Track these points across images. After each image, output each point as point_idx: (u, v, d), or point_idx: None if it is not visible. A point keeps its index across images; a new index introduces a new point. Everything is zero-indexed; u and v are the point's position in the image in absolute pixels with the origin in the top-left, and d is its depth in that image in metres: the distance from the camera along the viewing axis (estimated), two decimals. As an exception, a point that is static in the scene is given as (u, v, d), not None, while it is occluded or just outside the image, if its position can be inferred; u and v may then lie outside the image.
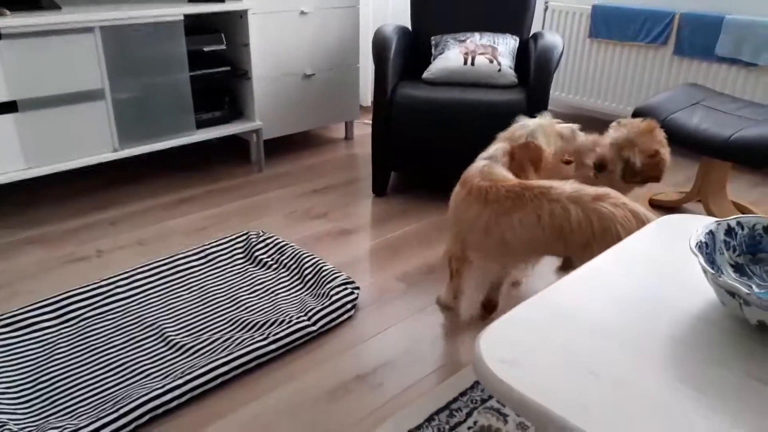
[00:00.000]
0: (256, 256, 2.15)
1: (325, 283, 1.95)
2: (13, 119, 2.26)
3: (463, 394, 1.58)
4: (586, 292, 1.00)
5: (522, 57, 2.86)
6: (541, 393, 0.77)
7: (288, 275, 2.06)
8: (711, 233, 1.04)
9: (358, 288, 1.97)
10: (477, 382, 1.62)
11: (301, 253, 2.12)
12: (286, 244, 2.18)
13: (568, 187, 1.61)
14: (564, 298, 0.98)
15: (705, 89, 2.75)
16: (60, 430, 1.36)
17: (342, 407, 1.53)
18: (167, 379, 1.55)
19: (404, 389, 1.60)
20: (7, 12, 2.20)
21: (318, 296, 1.92)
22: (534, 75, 2.52)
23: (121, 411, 1.42)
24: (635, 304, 0.97)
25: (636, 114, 2.54)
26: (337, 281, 1.94)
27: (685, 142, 2.39)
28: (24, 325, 1.75)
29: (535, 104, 2.50)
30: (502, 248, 1.67)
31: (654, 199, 2.69)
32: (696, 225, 1.17)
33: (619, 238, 1.50)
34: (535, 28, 3.07)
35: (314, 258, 2.08)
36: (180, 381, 1.52)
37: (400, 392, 1.59)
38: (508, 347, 0.86)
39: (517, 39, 2.90)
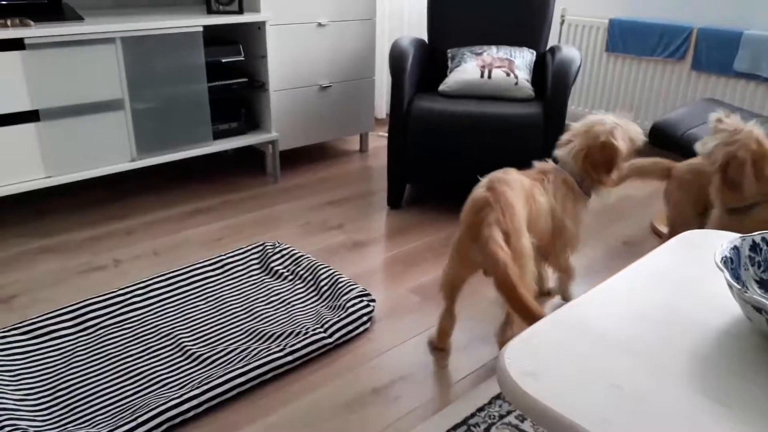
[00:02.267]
0: (272, 267, 2.15)
1: (341, 295, 1.95)
2: (34, 128, 2.29)
3: (480, 409, 1.56)
4: (608, 307, 0.99)
5: (539, 70, 2.86)
6: (566, 406, 0.76)
7: (304, 287, 2.06)
8: (736, 249, 1.03)
9: (374, 300, 1.96)
10: (495, 398, 1.60)
11: (316, 264, 2.11)
12: (302, 256, 2.18)
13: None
14: (586, 313, 0.97)
15: (723, 104, 2.73)
16: None
17: (359, 420, 1.52)
18: (184, 389, 1.54)
19: (422, 403, 1.58)
20: (31, 23, 2.24)
21: (334, 308, 1.91)
22: (551, 88, 2.51)
23: (139, 420, 1.42)
24: (657, 319, 0.96)
25: (653, 130, 2.53)
26: (353, 293, 1.93)
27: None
28: (43, 332, 1.76)
29: (552, 118, 2.49)
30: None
31: (671, 214, 2.67)
32: (717, 240, 1.16)
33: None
34: (551, 41, 3.07)
35: (330, 270, 2.08)
36: (197, 391, 1.52)
37: (418, 406, 1.57)
38: (531, 360, 0.85)
39: (534, 52, 2.90)
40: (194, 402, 1.51)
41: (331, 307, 1.93)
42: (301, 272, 2.11)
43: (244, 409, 1.55)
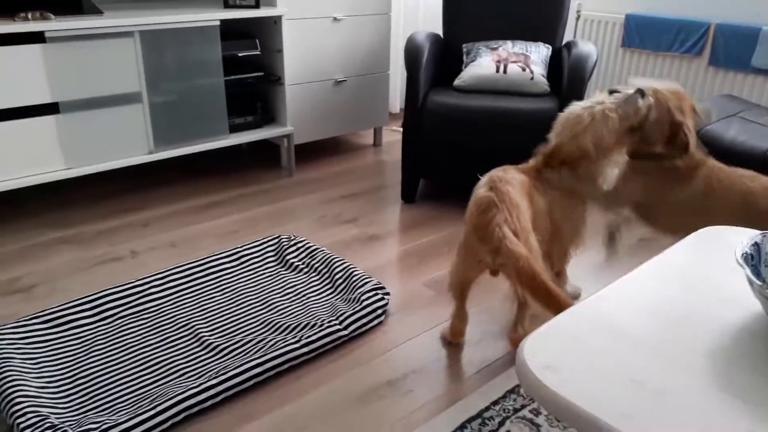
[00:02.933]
0: (288, 260, 2.17)
1: (355, 288, 1.96)
2: (54, 120, 2.32)
3: (495, 403, 1.57)
4: (626, 303, 1.00)
5: (554, 66, 2.85)
6: (586, 400, 0.76)
7: (319, 279, 2.07)
8: (756, 245, 1.03)
9: (388, 294, 1.97)
10: (509, 392, 1.61)
11: (331, 257, 2.13)
12: (317, 249, 2.20)
13: None
14: (604, 308, 0.98)
15: (741, 101, 2.71)
16: (99, 425, 1.39)
17: (373, 412, 1.54)
18: (202, 378, 1.56)
19: (436, 397, 1.59)
20: (52, 16, 2.26)
21: (349, 301, 1.93)
22: (567, 84, 2.50)
23: (158, 408, 1.44)
24: (676, 315, 0.96)
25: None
26: (368, 286, 1.95)
27: (720, 154, 2.35)
28: (62, 321, 1.79)
29: (568, 113, 2.48)
30: None
31: (687, 211, 2.65)
32: (735, 237, 1.15)
33: None
34: (566, 37, 3.06)
35: (345, 263, 2.09)
36: (214, 381, 1.54)
37: (432, 399, 1.58)
38: (550, 355, 0.85)
39: (550, 47, 2.89)
40: (211, 392, 1.53)
41: (346, 299, 1.94)
42: (317, 265, 2.12)
43: (260, 399, 1.57)
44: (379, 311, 1.88)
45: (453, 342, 1.82)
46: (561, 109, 2.51)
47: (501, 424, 1.50)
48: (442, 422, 1.50)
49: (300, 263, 2.16)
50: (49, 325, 1.77)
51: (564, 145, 1.74)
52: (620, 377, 0.81)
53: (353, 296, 1.93)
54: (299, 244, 2.23)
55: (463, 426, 1.49)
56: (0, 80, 2.17)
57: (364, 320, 1.84)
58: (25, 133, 2.27)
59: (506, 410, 1.55)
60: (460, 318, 1.79)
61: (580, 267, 2.24)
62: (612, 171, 1.76)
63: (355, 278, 2.00)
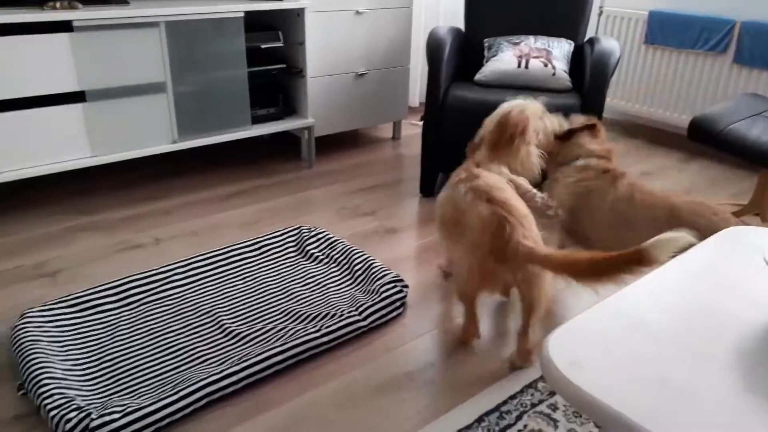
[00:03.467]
0: (308, 250, 2.19)
1: (374, 279, 1.98)
2: (81, 108, 2.35)
3: (512, 397, 1.58)
4: (650, 301, 1.00)
5: (576, 62, 2.84)
6: (611, 397, 0.77)
7: (338, 270, 2.09)
8: (783, 247, 1.03)
9: (407, 286, 1.98)
10: (527, 387, 1.62)
11: (351, 249, 2.15)
12: (337, 240, 2.22)
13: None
14: (628, 306, 0.98)
15: (766, 100, 2.68)
16: (123, 408, 1.42)
17: (392, 403, 1.56)
18: (223, 365, 1.59)
19: (453, 389, 1.61)
20: (79, 5, 2.29)
21: (368, 292, 1.95)
22: (589, 80, 2.49)
23: (181, 393, 1.47)
24: (701, 315, 0.96)
25: (693, 125, 2.49)
26: (387, 278, 1.96)
27: (744, 153, 2.33)
28: (88, 306, 1.82)
29: (590, 110, 2.47)
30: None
31: (708, 211, 2.63)
32: (758, 238, 1.15)
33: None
34: (589, 33, 3.04)
35: (364, 254, 2.11)
36: (236, 368, 1.57)
37: (450, 392, 1.60)
38: (575, 351, 0.86)
39: (572, 43, 2.87)
40: (233, 378, 1.55)
41: (365, 291, 1.96)
42: (336, 256, 2.14)
43: (280, 387, 1.60)
44: (398, 303, 1.90)
45: (467, 344, 1.80)
46: (584, 104, 2.50)
47: (518, 418, 1.52)
48: (460, 415, 1.52)
49: (320, 254, 2.18)
50: (74, 310, 1.81)
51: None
52: (646, 375, 0.82)
53: (372, 288, 1.95)
54: (319, 235, 2.25)
55: (480, 419, 1.50)
56: (29, 68, 2.20)
57: (383, 312, 1.85)
58: (53, 120, 2.31)
59: (524, 405, 1.56)
60: (471, 321, 1.77)
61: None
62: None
63: (374, 270, 2.02)
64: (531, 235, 1.51)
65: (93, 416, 1.38)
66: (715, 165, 3.24)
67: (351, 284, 2.02)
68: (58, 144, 2.35)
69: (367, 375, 1.65)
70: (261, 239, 2.21)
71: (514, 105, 1.89)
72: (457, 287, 1.75)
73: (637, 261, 1.20)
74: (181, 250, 2.23)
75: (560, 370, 0.82)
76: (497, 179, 1.68)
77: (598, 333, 0.90)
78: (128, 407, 1.43)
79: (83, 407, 1.41)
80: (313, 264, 2.14)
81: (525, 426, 1.49)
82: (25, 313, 1.73)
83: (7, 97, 2.20)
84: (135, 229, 2.38)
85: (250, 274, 2.06)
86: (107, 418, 1.38)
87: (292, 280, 2.03)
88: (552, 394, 1.60)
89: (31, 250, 2.21)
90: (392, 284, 1.94)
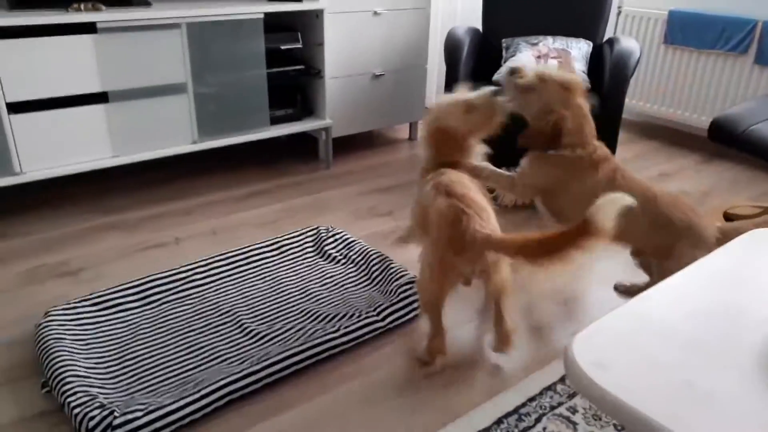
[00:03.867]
0: (326, 251, 2.20)
1: (392, 280, 1.98)
2: (103, 109, 2.39)
3: (531, 399, 1.58)
4: (674, 304, 1.00)
5: (594, 62, 2.82)
6: (636, 398, 0.77)
7: (356, 270, 2.10)
8: (809, 250, 1.02)
9: None
10: (546, 389, 1.62)
11: (368, 250, 2.16)
12: (354, 241, 2.23)
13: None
14: (651, 309, 0.98)
15: (789, 101, 2.64)
16: (146, 406, 1.44)
17: (411, 404, 1.56)
18: (244, 364, 1.61)
19: (472, 391, 1.61)
20: (103, 7, 2.33)
21: (386, 293, 1.96)
22: (609, 80, 2.48)
23: (202, 392, 1.49)
24: (727, 317, 0.96)
25: (713, 125, 2.47)
26: (404, 280, 1.97)
27: (765, 154, 2.31)
28: (110, 305, 1.85)
29: (609, 110, 2.46)
30: None
31: (729, 213, 2.61)
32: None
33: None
34: (607, 33, 3.02)
35: (381, 255, 2.12)
36: (257, 367, 1.58)
37: (468, 394, 1.60)
38: (599, 352, 0.86)
39: (591, 44, 2.86)
40: (254, 377, 1.57)
41: (382, 291, 1.97)
42: (354, 257, 2.15)
43: (301, 387, 1.61)
44: (415, 304, 1.90)
45: (432, 363, 1.70)
46: (603, 105, 2.49)
47: (537, 420, 1.51)
48: (479, 417, 1.52)
49: (338, 254, 2.19)
50: (97, 308, 1.83)
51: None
52: (670, 377, 0.81)
53: (390, 288, 1.96)
54: (337, 236, 2.27)
55: (499, 421, 1.51)
56: (54, 69, 2.24)
57: (401, 312, 1.86)
58: (76, 121, 2.35)
59: (543, 407, 1.56)
60: (439, 335, 1.68)
61: (619, 267, 2.23)
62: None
63: (391, 271, 2.03)
64: (488, 226, 1.52)
65: (116, 414, 1.40)
66: (735, 166, 3.21)
67: (369, 285, 2.03)
68: (81, 144, 2.39)
69: (386, 376, 1.66)
70: (280, 239, 2.22)
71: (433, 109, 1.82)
72: (422, 295, 1.69)
73: (583, 232, 1.24)
74: (201, 250, 2.25)
75: (584, 371, 0.82)
76: (460, 175, 1.68)
77: (622, 335, 0.90)
78: (150, 406, 1.44)
79: (106, 405, 1.43)
80: (331, 264, 2.15)
81: (544, 428, 1.49)
82: (49, 312, 1.76)
83: (33, 97, 2.24)
84: (156, 229, 2.41)
85: (269, 273, 2.07)
86: (130, 416, 1.40)
87: (311, 280, 2.04)
88: (571, 396, 1.59)
89: (54, 249, 2.25)
90: (409, 285, 1.95)
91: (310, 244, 2.25)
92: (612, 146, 2.50)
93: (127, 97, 2.43)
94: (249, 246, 2.16)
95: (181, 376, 1.60)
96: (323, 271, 2.10)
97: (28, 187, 2.73)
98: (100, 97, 2.39)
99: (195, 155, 3.16)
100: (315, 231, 2.30)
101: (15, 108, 2.25)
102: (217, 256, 2.09)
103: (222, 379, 1.53)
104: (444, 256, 1.55)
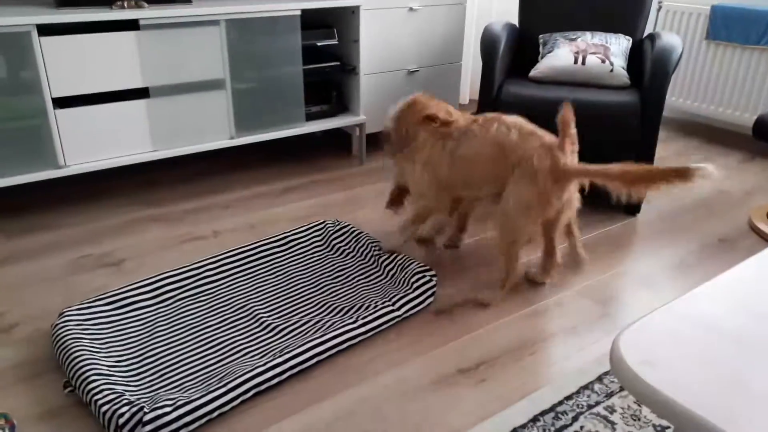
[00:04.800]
0: (334, 244, 2.22)
1: (403, 269, 2.00)
2: (145, 104, 2.44)
3: (568, 398, 1.56)
4: (724, 301, 0.98)
5: (634, 58, 2.77)
6: (689, 398, 0.76)
7: (367, 262, 2.12)
8: None
9: (435, 276, 1.98)
10: (583, 388, 1.60)
11: (376, 242, 2.17)
12: (361, 233, 2.23)
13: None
14: (702, 307, 0.96)
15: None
16: (174, 401, 1.43)
17: (446, 399, 1.56)
18: (266, 357, 1.61)
19: (507, 388, 1.60)
20: (145, 4, 2.37)
21: (398, 283, 1.97)
22: (650, 76, 2.43)
23: (229, 386, 1.49)
24: (780, 318, 0.94)
25: (758, 123, 2.40)
26: (414, 267, 1.98)
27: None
28: (124, 303, 1.84)
29: (650, 107, 2.41)
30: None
31: (773, 213, 2.54)
32: None
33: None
34: (648, 28, 2.96)
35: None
36: (280, 359, 1.58)
37: (504, 390, 1.59)
38: (647, 350, 0.85)
39: (630, 39, 2.81)
40: (278, 369, 1.57)
41: (394, 282, 1.99)
42: (362, 249, 2.17)
43: (331, 379, 1.62)
44: (429, 292, 1.91)
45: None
46: (643, 102, 2.44)
47: (575, 419, 1.50)
48: (516, 414, 1.51)
49: (347, 247, 2.20)
50: (112, 307, 1.81)
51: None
52: (721, 376, 0.80)
53: (401, 278, 1.98)
54: (344, 229, 2.27)
55: (535, 419, 1.50)
56: (97, 65, 2.30)
57: (415, 302, 1.88)
58: (118, 115, 2.41)
59: (580, 406, 1.54)
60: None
61: (657, 266, 2.19)
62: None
63: (400, 260, 2.04)
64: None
65: (145, 410, 1.39)
66: (780, 165, 3.12)
67: (380, 276, 2.04)
68: (122, 138, 2.44)
69: (420, 370, 1.66)
70: (288, 234, 2.22)
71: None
72: (516, 235, 1.86)
73: (682, 174, 1.57)
74: (239, 243, 2.28)
75: (632, 368, 0.81)
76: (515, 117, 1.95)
77: (669, 333, 0.89)
78: (178, 401, 1.44)
79: (134, 401, 1.43)
80: (340, 257, 2.16)
81: (581, 427, 1.47)
82: (64, 312, 1.74)
83: (77, 93, 2.30)
84: (196, 222, 2.46)
85: (281, 267, 2.08)
86: (159, 412, 1.39)
87: (322, 274, 2.05)
88: (609, 396, 1.57)
89: (97, 240, 2.31)
90: (421, 274, 1.96)
91: (318, 238, 2.26)
92: (651, 143, 2.45)
93: (168, 93, 2.47)
94: (257, 242, 2.15)
95: (205, 371, 1.60)
96: (333, 265, 2.11)
97: (73, 180, 2.81)
98: (141, 93, 2.44)
99: (233, 150, 3.21)
100: (322, 225, 2.30)
101: (60, 103, 2.31)
102: (226, 252, 2.08)
103: (247, 371, 1.53)
104: (545, 188, 1.77)
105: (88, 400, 1.47)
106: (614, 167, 1.69)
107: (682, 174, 1.56)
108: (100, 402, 1.43)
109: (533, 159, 1.78)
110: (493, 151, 1.86)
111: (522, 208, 1.81)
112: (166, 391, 1.53)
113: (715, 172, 1.51)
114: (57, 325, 1.70)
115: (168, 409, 1.41)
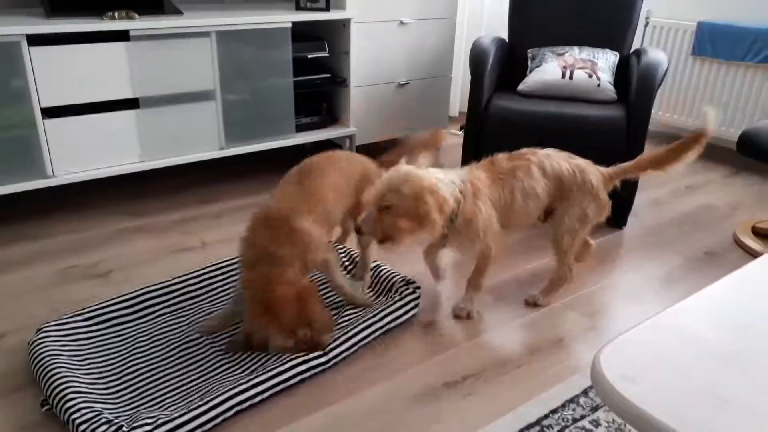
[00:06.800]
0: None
1: (387, 282, 2.00)
2: (134, 115, 2.44)
3: (554, 411, 1.57)
4: (706, 316, 0.99)
5: (621, 73, 2.81)
6: (666, 413, 0.77)
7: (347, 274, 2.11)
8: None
9: (419, 287, 1.97)
10: (568, 401, 1.61)
11: (355, 255, 2.16)
12: (342, 247, 2.23)
13: None
14: (684, 322, 0.97)
15: (821, 114, 2.60)
16: (154, 419, 1.40)
17: (431, 413, 1.56)
18: (247, 374, 1.58)
19: (493, 402, 1.60)
20: (136, 15, 2.38)
21: (381, 295, 1.98)
22: (636, 91, 2.46)
23: (211, 404, 1.46)
24: (760, 331, 0.95)
25: (742, 138, 2.44)
26: (398, 280, 1.98)
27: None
28: (103, 319, 1.80)
29: (636, 122, 2.44)
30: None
31: (757, 227, 2.57)
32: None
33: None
34: (635, 44, 3.01)
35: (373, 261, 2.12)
36: (264, 377, 1.55)
37: (489, 404, 1.60)
38: (628, 365, 0.86)
39: (618, 54, 2.84)
40: (261, 387, 1.53)
41: (377, 294, 2.00)
42: (344, 262, 2.17)
43: (313, 396, 1.60)
44: (412, 304, 1.90)
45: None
46: (629, 116, 2.47)
47: (560, 432, 1.50)
48: (501, 428, 1.51)
49: None
50: (91, 323, 1.78)
51: None
52: (702, 392, 0.81)
53: (384, 290, 1.99)
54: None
55: (521, 432, 1.50)
56: (87, 75, 2.30)
57: (398, 313, 1.86)
58: (107, 126, 2.41)
59: (565, 419, 1.55)
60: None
61: (644, 279, 2.20)
62: None
63: (383, 274, 2.04)
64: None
65: (124, 429, 1.36)
66: (762, 180, 3.16)
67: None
68: (111, 149, 2.44)
69: (404, 384, 1.66)
70: None
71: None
72: (576, 244, 2.00)
73: (698, 137, 1.85)
74: (228, 254, 2.27)
75: (612, 383, 0.82)
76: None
77: (651, 348, 0.90)
78: (159, 419, 1.40)
79: (113, 420, 1.39)
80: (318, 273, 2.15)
81: (567, 440, 1.48)
82: (41, 328, 1.69)
83: (66, 103, 2.30)
84: (184, 232, 2.45)
85: None
86: (139, 431, 1.36)
87: None
88: (594, 409, 1.58)
89: (84, 250, 2.29)
90: (405, 286, 1.95)
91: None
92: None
93: (158, 104, 2.48)
94: (235, 257, 2.13)
95: (185, 388, 1.57)
96: (316, 277, 2.10)
97: (61, 190, 2.80)
98: (131, 103, 2.44)
99: (223, 161, 3.21)
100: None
101: (49, 113, 2.31)
102: (209, 266, 2.05)
103: (229, 389, 1.50)
104: (604, 199, 1.97)
105: (66, 419, 1.42)
106: (643, 158, 1.96)
107: (697, 136, 1.84)
108: (78, 421, 1.38)
109: (591, 180, 1.94)
110: (553, 184, 1.94)
111: (584, 221, 1.96)
112: (146, 408, 1.50)
113: (711, 111, 1.82)
114: (34, 342, 1.65)
115: (148, 428, 1.37)
